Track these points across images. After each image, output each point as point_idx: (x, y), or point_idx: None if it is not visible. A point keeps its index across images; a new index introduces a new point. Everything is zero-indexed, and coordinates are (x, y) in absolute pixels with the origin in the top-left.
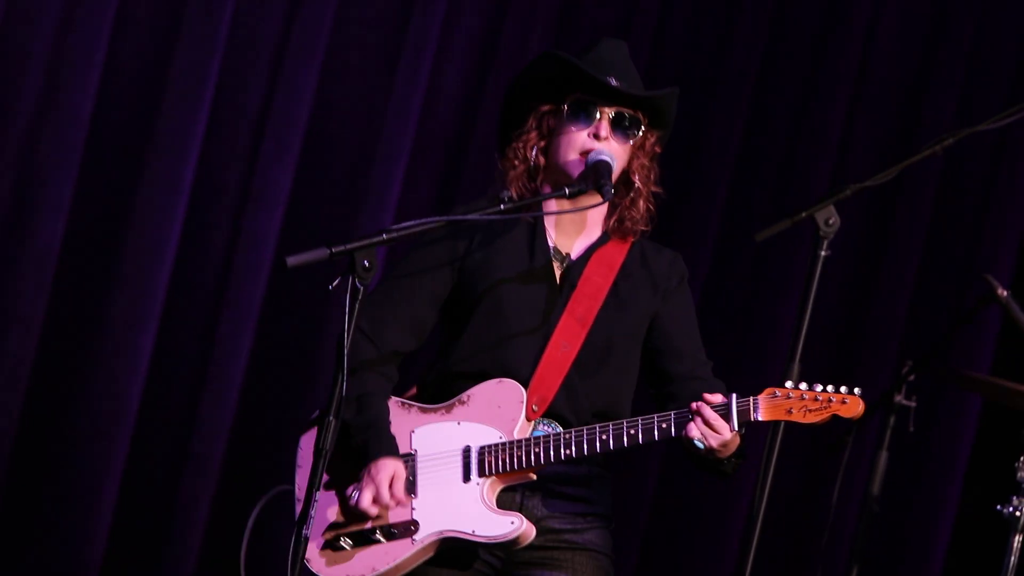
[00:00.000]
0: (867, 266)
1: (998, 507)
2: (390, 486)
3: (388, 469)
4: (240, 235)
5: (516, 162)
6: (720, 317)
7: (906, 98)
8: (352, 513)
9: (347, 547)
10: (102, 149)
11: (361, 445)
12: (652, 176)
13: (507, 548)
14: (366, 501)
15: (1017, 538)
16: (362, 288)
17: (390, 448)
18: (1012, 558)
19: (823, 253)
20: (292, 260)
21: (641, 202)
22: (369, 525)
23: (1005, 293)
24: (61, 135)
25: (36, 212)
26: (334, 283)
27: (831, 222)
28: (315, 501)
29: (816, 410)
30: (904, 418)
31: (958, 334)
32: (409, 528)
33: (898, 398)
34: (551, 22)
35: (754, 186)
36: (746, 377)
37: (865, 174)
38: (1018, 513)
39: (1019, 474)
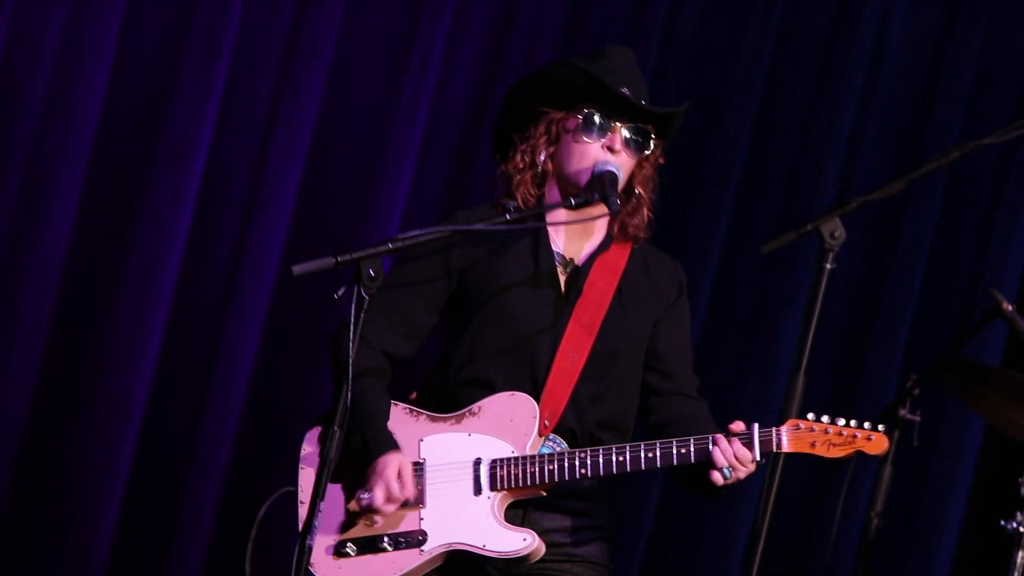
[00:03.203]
0: (872, 279)
1: (1002, 522)
2: (399, 479)
3: (393, 464)
4: (246, 242)
5: (522, 166)
6: (725, 329)
7: (913, 111)
8: (358, 518)
9: (352, 553)
10: (108, 155)
11: (361, 445)
12: (652, 185)
13: (515, 564)
14: (380, 499)
15: (1020, 554)
16: (367, 297)
17: (390, 443)
18: (1016, 574)
19: (828, 266)
20: (298, 269)
21: (644, 210)
22: (376, 532)
23: (1010, 307)
24: (67, 140)
25: (42, 217)
26: (339, 292)
27: (836, 235)
28: (319, 511)
29: (840, 445)
30: (908, 432)
31: (963, 348)
32: (417, 538)
33: (902, 412)
34: (558, 32)
35: (760, 198)
36: (751, 390)
37: (871, 187)
38: (1022, 529)
39: (1023, 489)
